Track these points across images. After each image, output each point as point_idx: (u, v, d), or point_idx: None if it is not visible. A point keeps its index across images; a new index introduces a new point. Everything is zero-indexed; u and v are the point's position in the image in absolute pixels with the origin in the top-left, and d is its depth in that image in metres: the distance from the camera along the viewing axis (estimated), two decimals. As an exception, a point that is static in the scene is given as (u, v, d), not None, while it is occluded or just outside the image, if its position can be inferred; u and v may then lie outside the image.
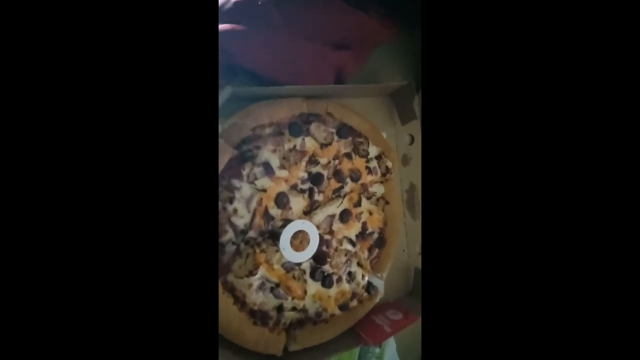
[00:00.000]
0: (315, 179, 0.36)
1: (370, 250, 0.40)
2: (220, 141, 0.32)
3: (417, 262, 0.44)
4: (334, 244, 0.37)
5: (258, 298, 0.34)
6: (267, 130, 0.34)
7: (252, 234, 0.34)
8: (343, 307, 0.38)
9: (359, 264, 0.39)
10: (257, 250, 0.33)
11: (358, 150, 0.38)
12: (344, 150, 0.37)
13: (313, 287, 0.36)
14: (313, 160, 0.36)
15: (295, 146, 0.35)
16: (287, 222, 0.34)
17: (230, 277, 0.33)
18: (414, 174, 0.44)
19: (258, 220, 0.34)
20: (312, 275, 0.36)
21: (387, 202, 0.41)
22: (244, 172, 0.33)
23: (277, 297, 0.35)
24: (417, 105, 0.40)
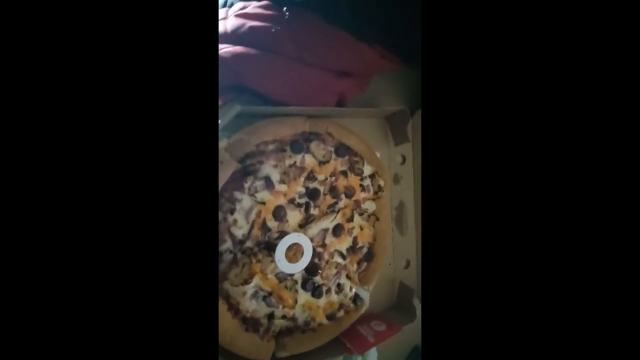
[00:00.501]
0: (312, 194, 0.38)
1: (359, 263, 0.42)
2: (226, 155, 0.33)
3: (402, 276, 0.46)
4: (326, 256, 0.39)
5: (251, 306, 0.35)
6: (270, 147, 0.36)
7: (249, 244, 0.35)
8: (330, 317, 0.40)
9: (348, 277, 0.41)
10: (253, 260, 0.35)
11: (353, 168, 0.40)
12: (340, 168, 0.40)
13: (303, 297, 0.38)
14: (311, 177, 0.38)
15: (295, 162, 0.37)
16: (283, 234, 0.36)
17: (226, 285, 0.35)
18: (404, 192, 0.46)
19: (256, 232, 0.35)
20: (304, 286, 0.38)
21: (377, 219, 0.43)
22: (246, 185, 0.34)
23: (268, 305, 0.36)
24: (410, 129, 0.42)
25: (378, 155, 0.43)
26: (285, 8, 0.32)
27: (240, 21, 0.33)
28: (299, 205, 0.37)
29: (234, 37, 0.33)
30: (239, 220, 0.34)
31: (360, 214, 0.42)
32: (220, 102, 0.33)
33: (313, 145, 0.38)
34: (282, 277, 0.37)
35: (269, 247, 0.36)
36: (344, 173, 0.40)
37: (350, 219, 0.41)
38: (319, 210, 0.39)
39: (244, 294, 0.35)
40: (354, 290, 0.41)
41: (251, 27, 0.33)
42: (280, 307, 0.37)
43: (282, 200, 0.36)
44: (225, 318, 0.34)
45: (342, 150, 0.39)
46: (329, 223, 0.39)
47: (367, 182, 0.41)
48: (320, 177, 0.38)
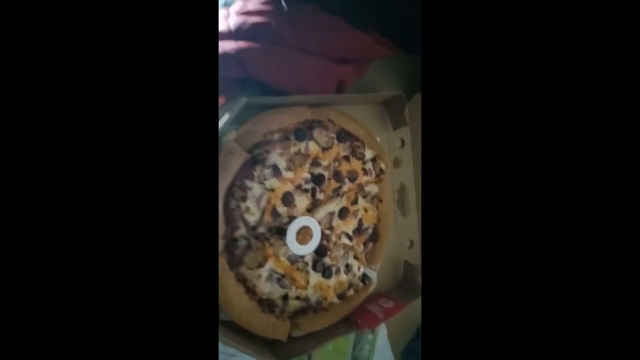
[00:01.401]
0: (317, 180, 0.39)
1: (365, 244, 0.44)
2: (235, 146, 0.35)
3: (407, 256, 0.48)
4: (334, 238, 0.41)
5: (266, 288, 0.37)
6: (276, 136, 0.37)
7: (261, 229, 0.37)
8: (341, 296, 0.42)
9: (355, 257, 0.43)
10: (266, 245, 0.37)
11: (355, 153, 0.42)
12: (342, 153, 0.41)
13: (314, 277, 0.40)
14: (316, 163, 0.39)
15: (300, 150, 0.38)
16: (292, 218, 0.38)
17: (242, 269, 0.36)
18: (405, 175, 0.48)
19: (267, 217, 0.37)
20: (314, 267, 0.40)
21: (380, 201, 0.45)
22: (255, 174, 0.36)
23: (282, 287, 0.38)
24: (407, 113, 0.44)
25: (378, 140, 0.44)
26: (283, 2, 0.34)
27: (242, 18, 0.35)
28: (306, 191, 0.39)
29: (237, 33, 0.35)
30: (251, 207, 0.36)
31: (364, 197, 0.44)
32: (227, 96, 0.34)
33: (316, 133, 0.39)
34: (293, 259, 0.39)
35: (280, 232, 0.38)
36: (347, 158, 0.42)
37: (355, 202, 0.42)
38: (324, 195, 0.40)
39: (259, 276, 0.37)
40: (361, 269, 0.43)
41: (253, 23, 0.34)
42: (294, 288, 0.39)
43: (289, 187, 0.38)
44: (243, 300, 0.36)
45: (343, 136, 0.41)
46: (334, 206, 0.41)
47: (369, 165, 0.43)
48: (324, 162, 0.40)
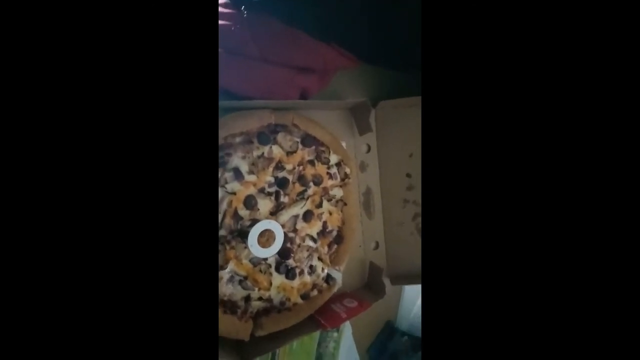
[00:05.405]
0: (281, 183, 0.40)
1: (329, 246, 0.45)
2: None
3: (372, 256, 0.50)
4: (297, 240, 0.42)
5: (227, 289, 0.38)
6: (238, 139, 0.38)
7: (222, 232, 0.37)
8: (305, 296, 0.43)
9: (320, 259, 0.44)
10: (227, 247, 0.37)
11: (320, 157, 0.43)
12: (307, 158, 0.42)
13: (278, 279, 0.41)
14: (279, 166, 0.40)
15: (263, 153, 0.39)
16: (254, 221, 0.38)
17: (202, 271, 0.37)
18: (371, 178, 0.49)
19: (228, 220, 0.37)
20: (277, 269, 0.41)
21: (345, 204, 0.46)
22: (216, 177, 0.36)
23: (245, 288, 0.39)
24: (373, 119, 0.45)
25: (344, 144, 0.45)
26: (243, 7, 0.34)
27: None
28: (269, 194, 0.40)
29: None
30: (212, 210, 0.36)
31: (329, 200, 0.45)
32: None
33: (280, 137, 0.40)
34: (256, 262, 0.39)
35: (242, 235, 0.38)
36: (311, 162, 0.42)
37: (320, 205, 0.43)
38: (288, 198, 0.41)
39: (221, 278, 0.37)
40: (326, 271, 0.44)
41: None
42: (256, 289, 0.39)
43: (252, 190, 0.38)
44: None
45: (308, 140, 0.42)
46: (299, 209, 0.42)
47: (333, 170, 0.44)
48: (289, 166, 0.41)
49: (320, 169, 0.43)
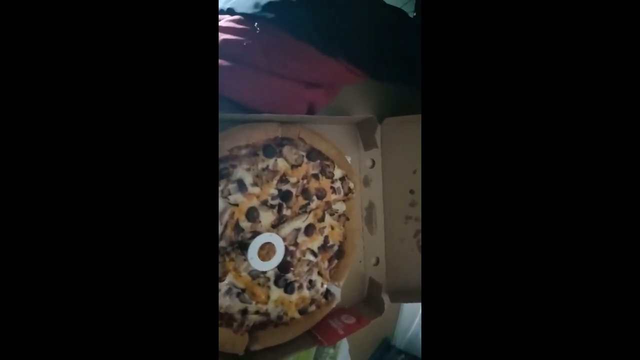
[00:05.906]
0: (285, 196, 0.40)
1: (330, 261, 0.45)
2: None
3: (372, 272, 0.49)
4: (298, 254, 0.42)
5: (225, 302, 0.37)
6: (243, 151, 0.38)
7: (222, 243, 0.37)
8: (302, 311, 0.42)
9: (319, 273, 0.44)
10: (227, 259, 0.37)
11: (325, 171, 0.43)
12: (312, 172, 0.42)
13: (276, 293, 0.40)
14: (284, 179, 0.40)
15: (268, 166, 0.39)
16: (256, 234, 0.38)
17: (201, 283, 0.36)
18: (374, 193, 0.49)
19: (229, 232, 0.37)
20: (276, 283, 0.40)
21: (347, 219, 0.46)
22: (219, 188, 0.36)
23: (242, 301, 0.38)
24: (378, 135, 0.45)
25: (348, 159, 0.45)
26: (256, 23, 0.34)
27: None
28: (272, 207, 0.39)
29: None
30: (213, 221, 0.36)
31: (331, 214, 0.44)
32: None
33: (285, 150, 0.40)
34: (255, 275, 0.39)
35: (242, 247, 0.38)
36: (316, 176, 0.42)
37: (322, 219, 0.43)
38: (291, 211, 0.41)
39: (218, 290, 0.37)
40: (325, 286, 0.44)
41: (224, 40, 0.34)
42: (254, 302, 0.39)
43: (254, 202, 0.38)
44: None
45: (313, 154, 0.42)
46: (301, 223, 0.41)
47: (337, 184, 0.44)
48: (293, 179, 0.40)
49: (324, 183, 0.43)
